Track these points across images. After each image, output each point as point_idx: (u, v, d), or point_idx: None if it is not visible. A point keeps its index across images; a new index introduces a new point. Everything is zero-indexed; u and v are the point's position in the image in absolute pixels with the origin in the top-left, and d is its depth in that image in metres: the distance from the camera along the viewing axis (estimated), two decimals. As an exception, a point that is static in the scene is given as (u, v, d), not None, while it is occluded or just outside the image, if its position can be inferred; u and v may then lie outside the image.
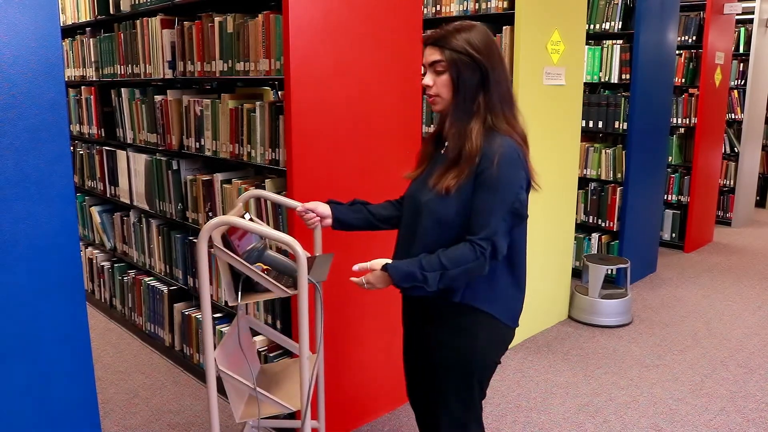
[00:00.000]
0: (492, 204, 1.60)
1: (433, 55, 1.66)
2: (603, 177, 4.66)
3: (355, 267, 1.71)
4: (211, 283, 2.85)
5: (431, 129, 3.27)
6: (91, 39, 3.63)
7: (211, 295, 2.94)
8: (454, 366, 1.76)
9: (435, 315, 1.76)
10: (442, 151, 1.77)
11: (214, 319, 2.72)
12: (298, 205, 1.97)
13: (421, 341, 1.84)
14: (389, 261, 1.68)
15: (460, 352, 1.75)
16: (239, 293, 1.83)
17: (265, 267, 1.85)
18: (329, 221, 1.94)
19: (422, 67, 1.73)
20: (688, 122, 5.43)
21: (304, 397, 1.76)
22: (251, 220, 1.85)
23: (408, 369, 1.98)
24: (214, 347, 1.84)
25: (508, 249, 1.67)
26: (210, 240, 1.74)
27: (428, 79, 1.69)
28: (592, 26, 4.64)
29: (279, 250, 2.29)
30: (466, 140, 1.64)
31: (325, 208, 1.94)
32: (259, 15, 2.42)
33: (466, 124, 1.66)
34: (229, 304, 1.89)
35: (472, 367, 1.76)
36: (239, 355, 1.99)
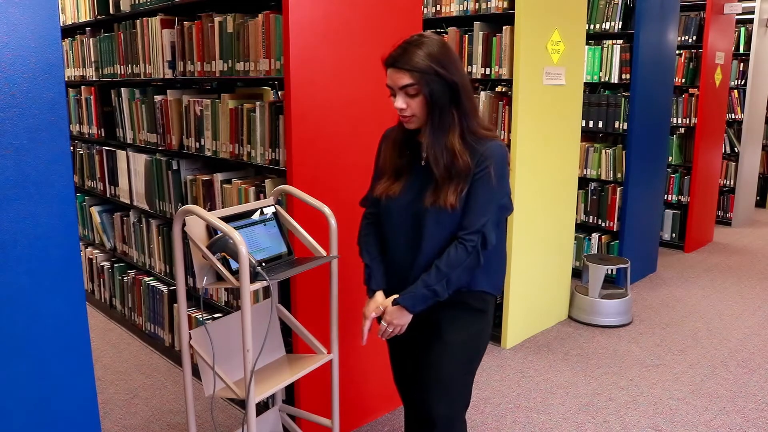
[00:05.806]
0: (487, 200, 1.71)
1: (402, 79, 1.67)
2: (603, 177, 4.66)
3: (372, 314, 1.82)
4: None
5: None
6: (91, 39, 3.63)
7: (211, 295, 2.95)
8: (466, 342, 1.84)
9: (448, 301, 1.79)
10: (423, 163, 1.78)
11: (213, 319, 2.73)
12: (316, 204, 2.04)
13: (432, 327, 1.86)
14: (394, 296, 1.77)
15: (473, 330, 1.86)
16: (204, 278, 1.91)
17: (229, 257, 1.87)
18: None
19: (390, 89, 1.73)
20: (688, 122, 5.43)
21: (248, 378, 1.80)
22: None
23: (400, 364, 2.03)
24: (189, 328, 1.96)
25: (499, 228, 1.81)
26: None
27: (401, 103, 1.70)
28: (592, 26, 4.64)
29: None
30: (453, 158, 1.69)
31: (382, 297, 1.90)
32: (259, 15, 2.42)
33: (445, 141, 1.69)
34: (196, 286, 1.99)
35: (481, 343, 1.89)
36: (258, 339, 2.01)
